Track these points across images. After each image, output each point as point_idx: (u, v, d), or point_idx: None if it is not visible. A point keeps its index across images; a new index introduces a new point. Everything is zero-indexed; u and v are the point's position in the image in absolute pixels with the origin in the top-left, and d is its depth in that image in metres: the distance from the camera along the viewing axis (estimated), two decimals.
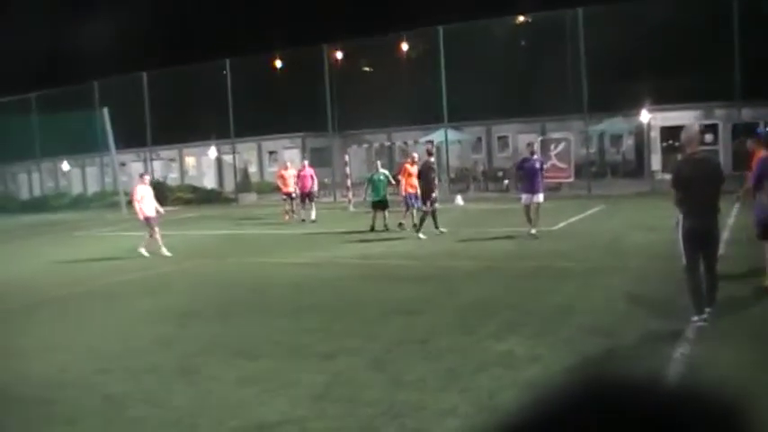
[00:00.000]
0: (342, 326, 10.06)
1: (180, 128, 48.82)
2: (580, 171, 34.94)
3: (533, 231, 18.19)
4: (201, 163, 55.83)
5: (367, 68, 57.97)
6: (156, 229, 19.08)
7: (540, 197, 18.53)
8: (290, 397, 7.13)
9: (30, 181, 57.80)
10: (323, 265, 16.02)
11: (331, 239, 20.86)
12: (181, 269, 16.70)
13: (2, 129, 45.60)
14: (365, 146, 40.38)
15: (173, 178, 53.13)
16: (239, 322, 10.75)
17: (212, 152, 49.62)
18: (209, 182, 52.15)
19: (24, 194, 56.95)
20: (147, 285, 14.67)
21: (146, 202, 19.16)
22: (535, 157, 19.18)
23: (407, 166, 21.38)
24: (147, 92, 45.00)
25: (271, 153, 55.04)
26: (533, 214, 18.34)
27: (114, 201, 41.29)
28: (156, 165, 49.11)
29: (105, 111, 38.85)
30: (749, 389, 0.96)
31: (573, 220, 22.17)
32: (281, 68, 48.64)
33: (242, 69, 42.94)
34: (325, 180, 38.63)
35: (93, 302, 13.29)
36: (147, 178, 20.62)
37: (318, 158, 42.21)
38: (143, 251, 18.91)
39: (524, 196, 18.51)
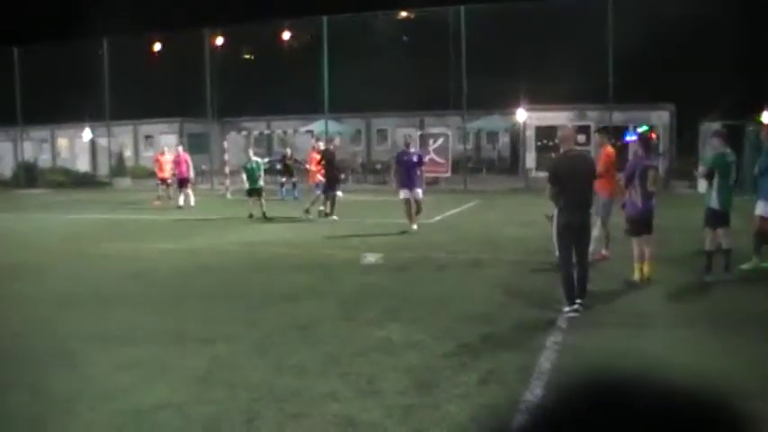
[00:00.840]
0: (222, 312, 10.01)
1: (53, 108, 46.93)
2: (457, 166, 35.63)
3: (414, 227, 17.88)
4: (75, 145, 54.04)
5: (248, 56, 57.35)
6: None
7: (419, 192, 18.08)
8: (171, 381, 7.06)
9: None
10: (203, 252, 15.83)
11: (210, 226, 20.64)
12: (55, 253, 16.17)
13: None
14: (244, 133, 39.99)
15: (44, 160, 51.28)
16: (118, 307, 10.48)
17: (86, 134, 48.09)
18: (83, 165, 50.57)
19: None
20: (21, 269, 14.15)
21: None
22: (412, 150, 18.85)
23: (314, 155, 21.56)
24: (19, 68, 43.25)
25: (147, 137, 53.81)
26: (413, 210, 17.93)
27: None
28: (27, 146, 47.24)
29: None
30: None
31: (450, 213, 22.63)
32: (159, 51, 47.50)
33: (119, 50, 41.79)
34: (203, 167, 38.12)
35: None
36: None
37: (197, 145, 41.52)
38: None
39: (402, 191, 18.04)
